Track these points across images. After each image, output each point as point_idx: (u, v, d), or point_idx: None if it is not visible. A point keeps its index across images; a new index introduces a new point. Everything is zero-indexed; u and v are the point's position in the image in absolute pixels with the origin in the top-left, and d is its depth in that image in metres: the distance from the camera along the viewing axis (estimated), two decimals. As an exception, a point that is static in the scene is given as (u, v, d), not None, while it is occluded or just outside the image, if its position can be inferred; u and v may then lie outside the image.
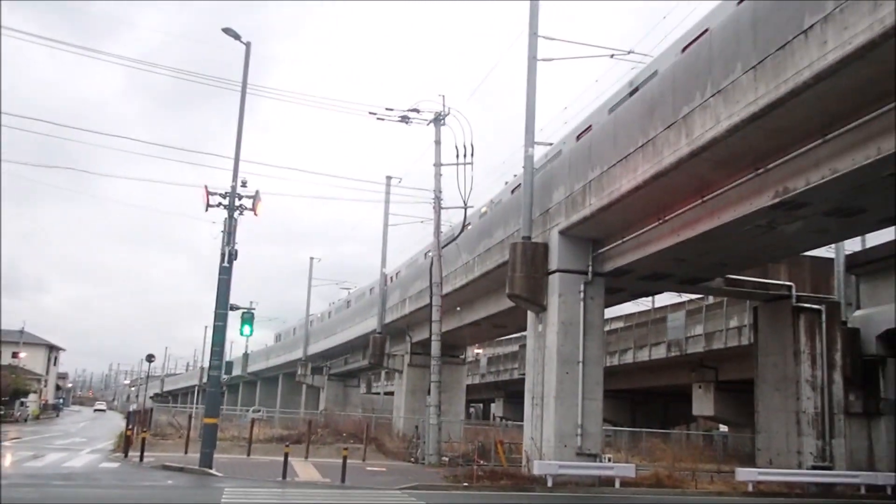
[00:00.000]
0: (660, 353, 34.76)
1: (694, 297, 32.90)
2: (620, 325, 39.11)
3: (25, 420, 51.70)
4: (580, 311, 20.70)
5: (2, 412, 48.57)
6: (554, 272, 21.07)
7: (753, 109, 13.13)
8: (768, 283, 24.35)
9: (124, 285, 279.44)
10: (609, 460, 20.34)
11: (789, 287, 24.14)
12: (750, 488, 20.68)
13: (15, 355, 68.89)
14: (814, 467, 22.06)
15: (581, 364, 20.35)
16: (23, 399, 53.79)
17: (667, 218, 17.79)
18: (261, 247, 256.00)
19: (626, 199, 17.63)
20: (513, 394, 50.15)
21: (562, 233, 20.97)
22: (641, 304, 38.28)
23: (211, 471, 19.00)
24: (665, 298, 36.66)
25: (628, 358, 37.20)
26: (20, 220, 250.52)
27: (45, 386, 75.27)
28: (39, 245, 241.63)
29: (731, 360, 30.69)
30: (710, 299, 31.85)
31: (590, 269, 21.04)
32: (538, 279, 21.24)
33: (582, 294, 20.80)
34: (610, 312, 29.60)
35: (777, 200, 15.10)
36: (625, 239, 19.69)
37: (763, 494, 20.52)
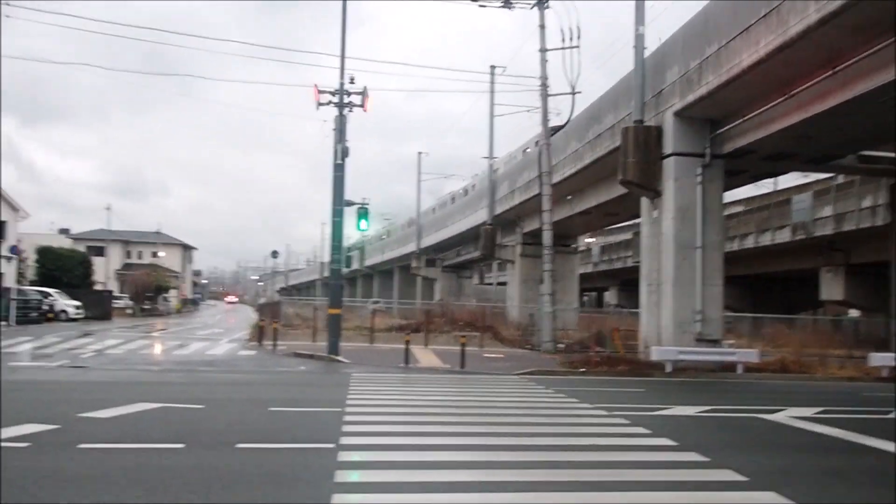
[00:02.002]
0: (783, 236, 33.41)
1: (821, 177, 31.07)
2: (740, 208, 37.61)
3: (169, 314, 56.46)
4: (697, 195, 20.02)
5: (149, 307, 53.32)
6: (669, 156, 20.33)
7: (897, -36, 11.82)
8: (907, 159, 22.61)
9: (239, 186, 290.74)
10: (730, 346, 20.06)
11: (932, 161, 22.35)
12: (884, 374, 19.94)
13: (155, 255, 74.85)
14: (955, 351, 20.98)
15: (699, 249, 19.86)
16: (165, 295, 58.58)
17: (793, 92, 16.62)
18: (365, 142, 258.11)
19: (747, 74, 16.55)
20: (626, 282, 49.88)
21: (676, 114, 20.06)
22: (762, 187, 36.54)
23: (338, 357, 20.26)
24: (788, 180, 34.86)
25: (749, 243, 36.01)
26: (135, 128, 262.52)
27: (183, 283, 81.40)
28: (157, 151, 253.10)
29: (863, 241, 29.20)
30: (840, 178, 30.00)
31: (707, 151, 20.13)
32: (652, 164, 20.58)
33: (699, 178, 20.04)
34: (729, 196, 28.47)
35: (921, 67, 13.78)
36: (745, 117, 18.63)
37: (897, 379, 19.79)
